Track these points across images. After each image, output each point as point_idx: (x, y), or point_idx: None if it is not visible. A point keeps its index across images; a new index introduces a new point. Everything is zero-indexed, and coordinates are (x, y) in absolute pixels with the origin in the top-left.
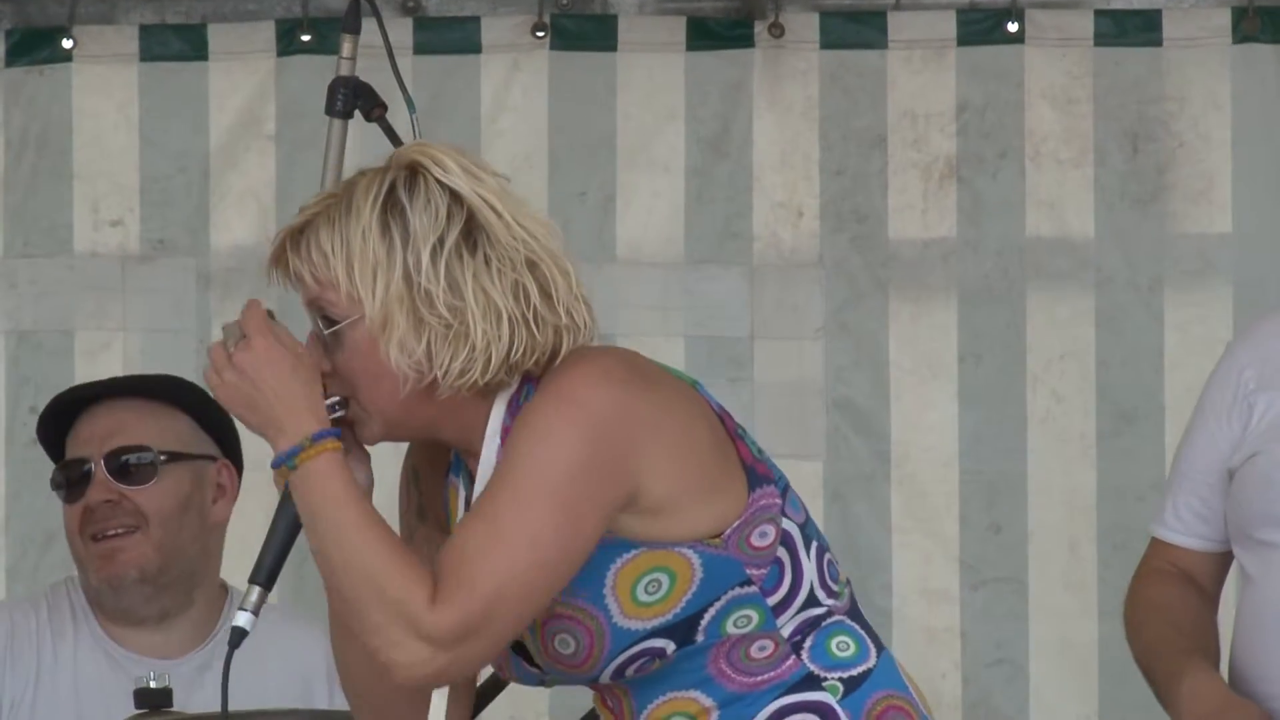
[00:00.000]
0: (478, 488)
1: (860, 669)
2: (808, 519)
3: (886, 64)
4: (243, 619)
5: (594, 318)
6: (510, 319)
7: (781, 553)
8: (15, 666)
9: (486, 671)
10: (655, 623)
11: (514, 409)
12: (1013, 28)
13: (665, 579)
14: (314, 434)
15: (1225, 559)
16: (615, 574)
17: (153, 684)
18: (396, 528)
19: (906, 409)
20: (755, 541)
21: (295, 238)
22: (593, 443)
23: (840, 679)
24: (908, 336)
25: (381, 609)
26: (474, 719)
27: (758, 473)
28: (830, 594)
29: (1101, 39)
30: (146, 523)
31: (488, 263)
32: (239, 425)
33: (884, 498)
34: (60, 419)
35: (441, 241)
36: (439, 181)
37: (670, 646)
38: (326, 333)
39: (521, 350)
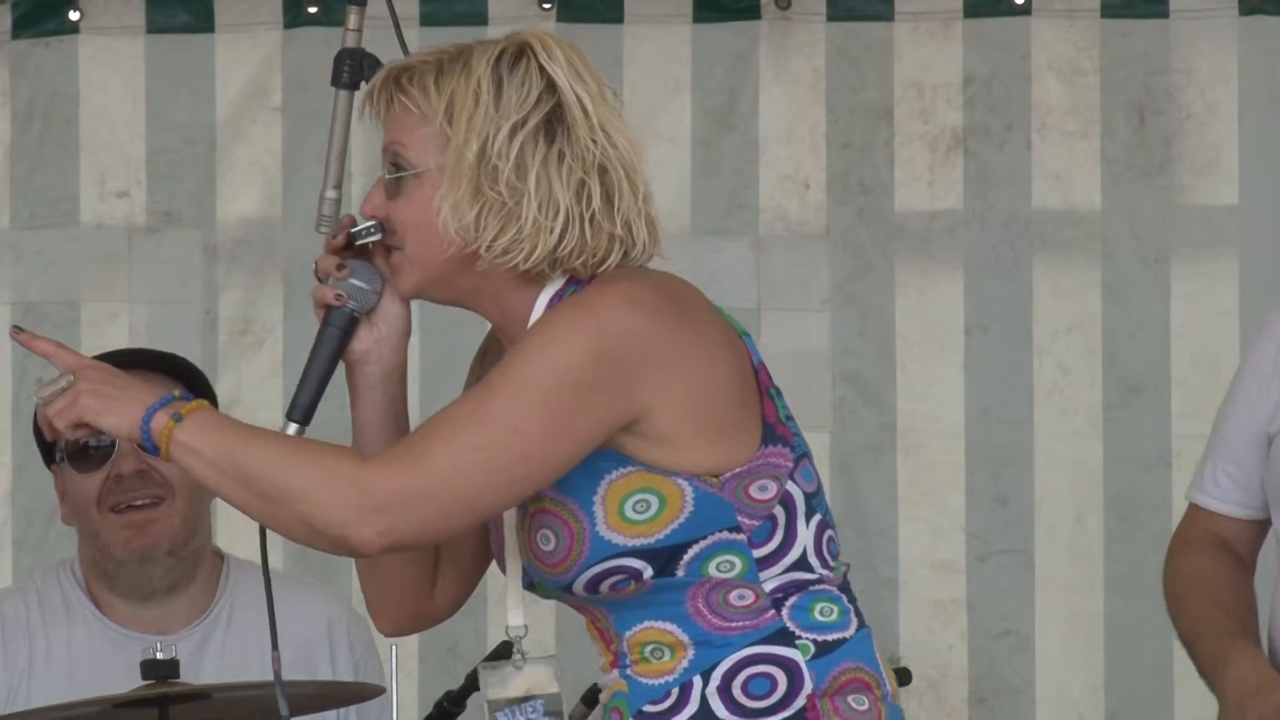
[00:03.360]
0: None
1: (835, 635)
2: (818, 492)
3: (893, 36)
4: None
5: (657, 239)
6: (567, 215)
7: (778, 511)
8: (6, 659)
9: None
10: (637, 543)
11: (554, 304)
12: None
13: (655, 501)
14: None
15: (1262, 527)
16: (608, 485)
17: (159, 654)
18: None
19: (913, 380)
20: (754, 493)
21: (400, 74)
22: (598, 358)
23: (814, 640)
24: (914, 308)
25: (314, 477)
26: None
27: (776, 432)
28: (825, 564)
29: (1108, 10)
30: (173, 494)
31: (560, 157)
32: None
33: (890, 469)
34: None
35: (523, 122)
36: (540, 66)
37: (647, 571)
38: (389, 177)
39: (570, 248)
